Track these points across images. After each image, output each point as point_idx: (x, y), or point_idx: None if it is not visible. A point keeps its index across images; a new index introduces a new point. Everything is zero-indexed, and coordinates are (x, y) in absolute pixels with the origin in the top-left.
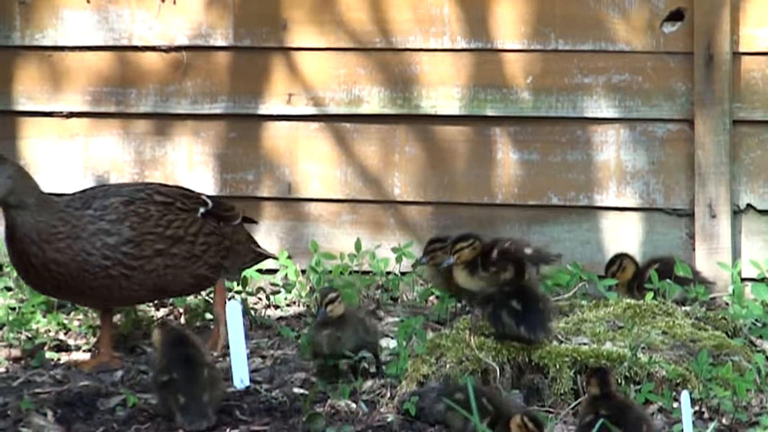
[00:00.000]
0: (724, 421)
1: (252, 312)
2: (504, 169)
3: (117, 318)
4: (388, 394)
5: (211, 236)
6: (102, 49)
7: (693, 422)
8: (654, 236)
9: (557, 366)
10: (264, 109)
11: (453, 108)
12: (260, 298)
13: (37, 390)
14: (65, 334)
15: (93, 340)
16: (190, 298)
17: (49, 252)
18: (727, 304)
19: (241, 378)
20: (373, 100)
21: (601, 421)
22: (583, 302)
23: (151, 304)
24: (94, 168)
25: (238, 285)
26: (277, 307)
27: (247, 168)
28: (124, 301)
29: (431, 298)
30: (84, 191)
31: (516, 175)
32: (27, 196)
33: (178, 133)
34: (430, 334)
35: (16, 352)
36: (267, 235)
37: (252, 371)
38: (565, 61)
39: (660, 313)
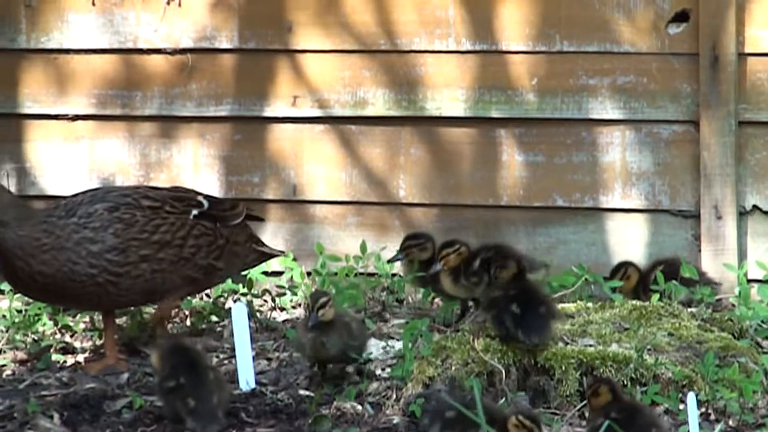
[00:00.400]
0: (730, 422)
1: (257, 314)
2: (509, 170)
3: (122, 321)
4: (394, 396)
5: (201, 238)
6: (107, 52)
7: (699, 424)
8: (660, 238)
9: (563, 368)
10: (269, 112)
11: (458, 110)
12: (266, 300)
13: (44, 392)
14: (71, 336)
15: (99, 342)
16: (196, 300)
17: (35, 265)
18: (733, 305)
19: (246, 380)
20: (378, 102)
21: (610, 423)
22: (589, 304)
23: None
24: (99, 171)
25: (243, 287)
26: (282, 309)
27: (252, 170)
28: (115, 305)
29: (437, 300)
30: (73, 197)
31: (521, 177)
32: (4, 214)
33: (183, 135)
34: (436, 336)
35: (22, 355)
36: (272, 236)
37: (257, 373)
38: (570, 63)
39: (666, 315)
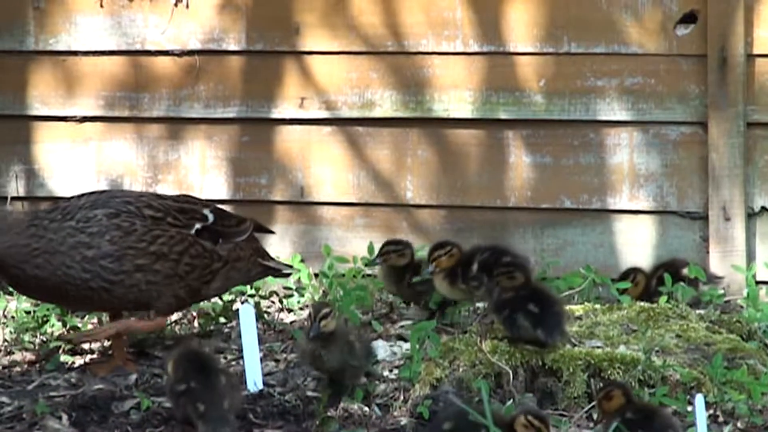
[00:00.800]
0: (739, 424)
1: (265, 315)
2: (516, 172)
3: None
4: (402, 398)
5: (197, 258)
6: (115, 54)
7: (708, 426)
8: (667, 239)
9: (571, 369)
10: (277, 113)
11: (465, 111)
12: (273, 302)
13: (52, 393)
14: None
15: (107, 343)
16: (203, 302)
17: (29, 270)
18: (741, 307)
19: (254, 381)
20: (386, 103)
21: (625, 423)
22: (597, 306)
23: None
24: (107, 172)
25: (251, 288)
26: (290, 310)
27: (259, 172)
28: (114, 309)
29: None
30: (78, 198)
31: (529, 179)
32: None
33: (191, 137)
34: (444, 338)
35: (30, 356)
36: (280, 239)
37: (265, 375)
38: (577, 64)
39: (674, 317)
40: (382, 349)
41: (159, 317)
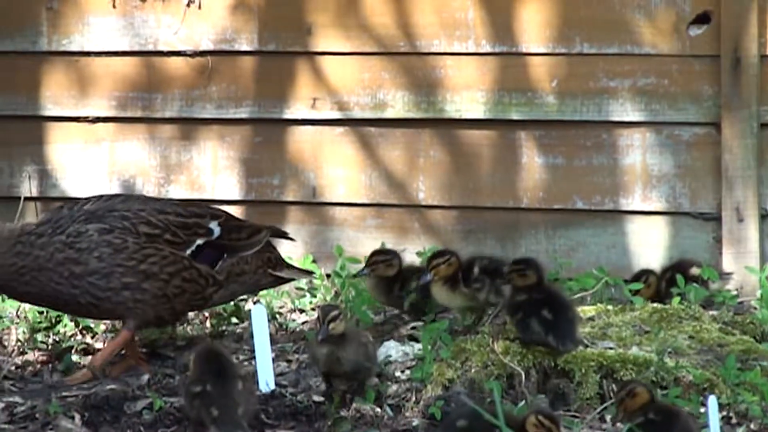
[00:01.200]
0: (752, 426)
1: (277, 316)
2: (529, 173)
3: None
4: (413, 399)
5: (189, 282)
6: (128, 55)
7: (721, 427)
8: (680, 240)
9: (583, 370)
10: (289, 114)
11: (478, 112)
12: (285, 302)
13: (65, 393)
14: (92, 337)
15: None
16: None
17: (19, 287)
18: (754, 308)
19: (266, 381)
20: (398, 104)
21: (647, 423)
22: (609, 307)
23: None
24: (120, 173)
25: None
26: (302, 311)
27: (272, 172)
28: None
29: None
30: (76, 207)
31: (541, 179)
32: None
33: (203, 137)
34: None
35: (43, 356)
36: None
37: (277, 375)
38: (590, 65)
39: (687, 318)
40: (393, 349)
41: (125, 330)
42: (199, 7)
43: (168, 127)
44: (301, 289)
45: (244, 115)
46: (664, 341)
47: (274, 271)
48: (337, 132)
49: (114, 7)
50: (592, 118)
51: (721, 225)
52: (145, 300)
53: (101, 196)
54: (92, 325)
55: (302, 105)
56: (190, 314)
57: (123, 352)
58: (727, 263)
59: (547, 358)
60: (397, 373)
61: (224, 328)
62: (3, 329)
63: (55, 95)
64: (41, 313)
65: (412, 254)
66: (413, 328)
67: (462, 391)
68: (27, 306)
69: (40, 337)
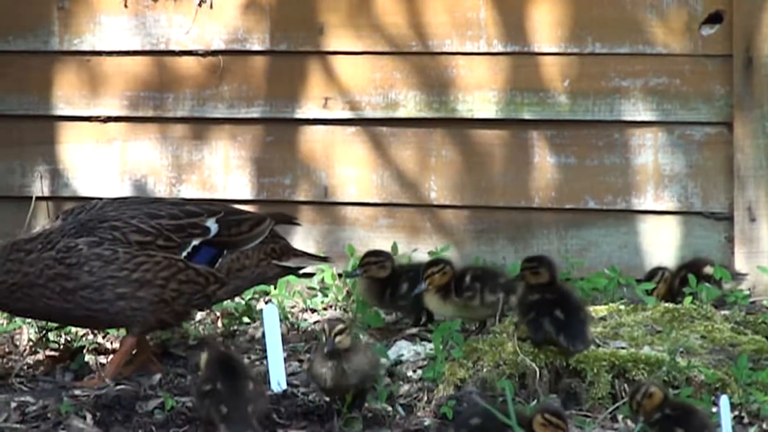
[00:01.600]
0: (764, 425)
1: (289, 316)
2: (541, 172)
3: None
4: (425, 398)
5: (186, 284)
6: (139, 54)
7: (732, 427)
8: (692, 240)
9: (595, 370)
10: (300, 114)
11: (489, 111)
12: (297, 302)
13: (77, 393)
14: (103, 337)
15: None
16: (227, 302)
17: (12, 303)
18: (766, 308)
19: (278, 381)
20: (410, 103)
21: (665, 419)
22: (621, 306)
23: None
24: (131, 172)
25: (275, 288)
26: (313, 310)
27: (283, 172)
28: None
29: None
30: (69, 218)
31: (553, 179)
32: None
33: (215, 137)
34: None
35: (55, 355)
36: (304, 239)
37: (289, 375)
38: (602, 64)
39: (698, 317)
40: (405, 349)
41: (128, 338)
42: (211, 7)
43: (179, 126)
44: (313, 288)
45: (255, 115)
46: (676, 341)
47: (279, 262)
48: (348, 132)
49: (126, 6)
50: (604, 118)
51: (733, 225)
52: (142, 308)
53: (95, 204)
54: None
55: (314, 105)
56: (202, 314)
57: (135, 351)
58: (739, 263)
59: (558, 358)
60: (409, 373)
61: (236, 327)
62: (15, 329)
63: (67, 95)
64: None
65: (423, 254)
66: (424, 327)
67: (474, 390)
68: None
69: (51, 336)
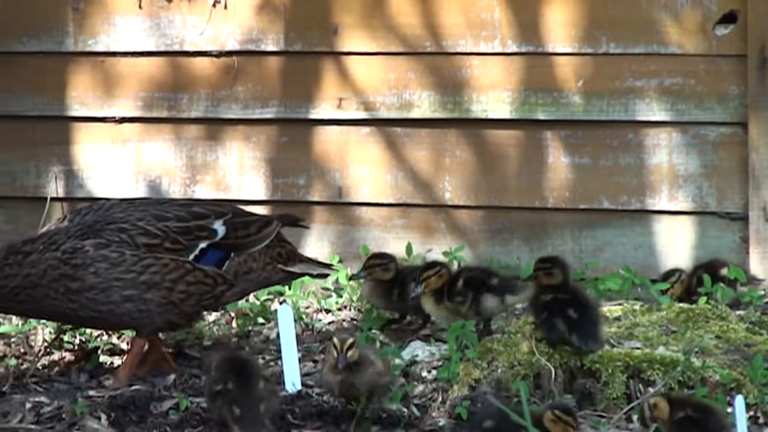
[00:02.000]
0: None
1: (303, 316)
2: (555, 173)
3: None
4: (440, 399)
5: (194, 285)
6: (154, 55)
7: (748, 427)
8: (707, 240)
9: (609, 370)
10: (315, 114)
11: (504, 112)
12: (311, 303)
13: (91, 393)
14: (118, 337)
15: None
16: (242, 302)
17: (15, 306)
18: None
19: (292, 382)
20: (424, 104)
21: (687, 420)
22: (636, 306)
23: None
24: (146, 173)
25: (289, 289)
26: (328, 311)
27: (298, 172)
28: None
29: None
30: (75, 220)
31: (567, 179)
32: None
33: (229, 138)
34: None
35: (70, 356)
36: (318, 239)
37: (303, 375)
38: (616, 65)
39: (713, 318)
40: (420, 349)
41: (137, 340)
42: (225, 8)
43: (194, 127)
44: (327, 289)
45: (270, 116)
46: (691, 341)
47: (285, 267)
48: (363, 132)
49: (140, 7)
50: (619, 118)
51: (748, 225)
52: (150, 310)
53: (102, 205)
54: None
55: (328, 105)
56: (216, 315)
57: (147, 350)
58: (754, 263)
59: (573, 358)
60: (424, 373)
61: (250, 328)
62: (30, 330)
63: (82, 95)
64: None
65: (438, 254)
66: (439, 327)
67: (488, 391)
68: None
69: (66, 337)
